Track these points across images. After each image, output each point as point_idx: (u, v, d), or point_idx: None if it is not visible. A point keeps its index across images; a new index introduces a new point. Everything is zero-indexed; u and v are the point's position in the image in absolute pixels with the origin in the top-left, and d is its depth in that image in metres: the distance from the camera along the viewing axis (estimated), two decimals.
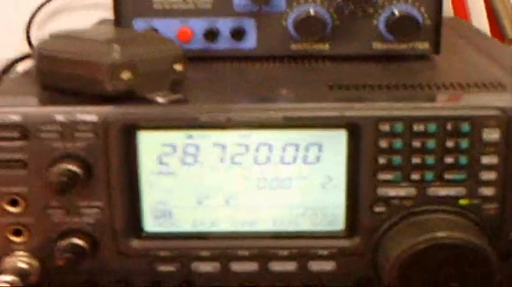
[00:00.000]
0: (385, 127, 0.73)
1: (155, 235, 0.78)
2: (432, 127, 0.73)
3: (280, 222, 0.77)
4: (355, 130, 0.74)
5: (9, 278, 0.75)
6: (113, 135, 0.74)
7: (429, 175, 0.74)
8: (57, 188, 0.73)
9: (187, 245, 0.78)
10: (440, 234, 0.72)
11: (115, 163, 0.74)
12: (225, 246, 0.77)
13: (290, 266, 0.77)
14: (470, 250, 0.72)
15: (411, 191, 0.74)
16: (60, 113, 0.73)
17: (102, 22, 1.11)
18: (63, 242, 0.76)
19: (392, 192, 0.75)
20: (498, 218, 0.75)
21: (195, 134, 0.75)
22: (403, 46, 0.91)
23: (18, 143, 0.74)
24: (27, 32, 1.21)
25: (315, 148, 0.75)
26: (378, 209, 0.75)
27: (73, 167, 0.73)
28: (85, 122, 0.73)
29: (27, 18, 1.22)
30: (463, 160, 0.74)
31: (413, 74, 0.86)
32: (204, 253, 0.77)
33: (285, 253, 0.77)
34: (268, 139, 0.75)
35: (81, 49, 0.74)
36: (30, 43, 1.20)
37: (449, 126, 0.73)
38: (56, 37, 0.78)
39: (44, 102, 0.76)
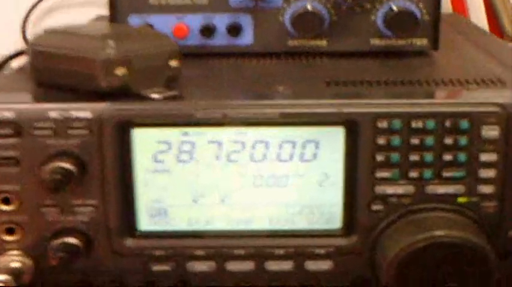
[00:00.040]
0: (383, 124, 0.72)
1: (150, 233, 0.77)
2: (431, 124, 0.72)
3: (277, 220, 0.77)
4: (352, 127, 0.73)
5: (2, 277, 0.74)
6: (108, 132, 0.73)
7: (427, 173, 0.73)
8: (51, 186, 0.72)
9: (182, 244, 0.77)
10: (438, 232, 0.72)
11: (109, 160, 0.74)
12: (220, 245, 0.77)
13: (286, 265, 0.77)
14: (468, 249, 0.71)
15: (409, 188, 0.74)
16: (53, 110, 0.73)
17: (98, 18, 1.11)
18: (57, 241, 0.75)
19: (390, 190, 0.74)
20: (497, 216, 0.75)
21: (191, 131, 0.74)
22: (401, 42, 0.90)
23: (11, 140, 0.73)
24: (23, 29, 1.21)
25: (312, 145, 0.74)
26: (376, 207, 0.74)
27: (67, 165, 0.72)
28: (79, 119, 0.73)
29: (23, 16, 1.21)
30: (462, 157, 0.73)
31: (411, 71, 0.86)
32: (200, 252, 0.77)
33: (282, 252, 0.76)
34: (265, 136, 0.74)
35: (75, 45, 0.74)
36: (26, 40, 1.19)
37: (448, 123, 0.72)
38: (50, 33, 0.77)
39: (37, 98, 0.76)
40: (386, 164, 0.73)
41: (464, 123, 0.72)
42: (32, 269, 0.76)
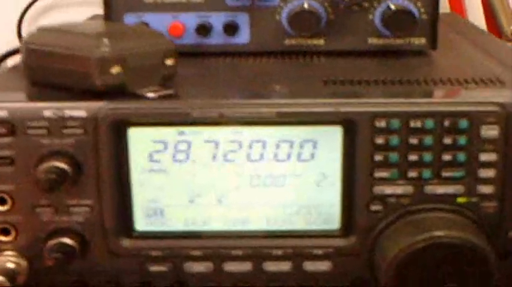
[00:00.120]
0: (381, 123, 0.72)
1: (146, 234, 0.77)
2: (429, 123, 0.72)
3: (274, 221, 0.76)
4: (350, 126, 0.73)
5: None
6: (103, 131, 0.72)
7: (426, 173, 0.73)
8: (46, 185, 0.72)
9: (179, 245, 0.76)
10: (438, 233, 0.71)
11: (105, 160, 0.73)
12: (217, 245, 0.76)
13: (285, 266, 0.76)
14: (468, 249, 0.71)
15: (408, 189, 0.73)
16: (48, 109, 0.72)
17: (94, 17, 1.10)
18: (52, 242, 0.75)
19: (388, 190, 0.74)
20: (497, 216, 0.74)
21: (187, 131, 0.74)
22: (399, 41, 0.90)
23: (5, 140, 0.72)
24: (19, 28, 1.20)
25: (309, 144, 0.74)
26: (374, 207, 0.74)
27: (61, 164, 0.72)
28: (74, 118, 0.72)
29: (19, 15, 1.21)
30: (461, 157, 0.73)
31: (409, 70, 0.85)
32: (197, 253, 0.76)
33: (280, 252, 0.76)
34: (262, 136, 0.74)
35: (69, 43, 0.73)
36: (21, 39, 1.19)
37: (446, 123, 0.72)
38: (43, 31, 0.77)
39: (31, 97, 0.75)
40: (385, 164, 0.73)
41: (464, 123, 0.72)
42: (26, 270, 0.76)
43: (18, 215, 0.75)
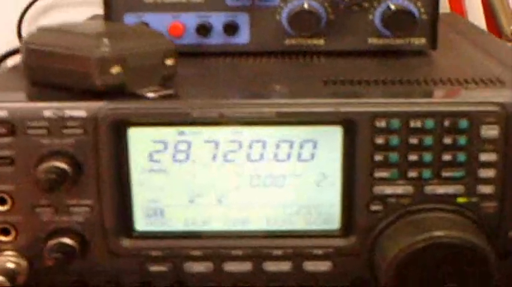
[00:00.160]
0: (382, 123, 0.72)
1: (146, 234, 0.76)
2: (429, 123, 0.72)
3: (274, 221, 0.76)
4: (350, 126, 0.73)
5: None
6: (103, 131, 0.72)
7: (426, 173, 0.73)
8: (46, 185, 0.71)
9: (179, 245, 0.76)
10: (438, 233, 0.71)
11: (105, 160, 0.73)
12: (217, 245, 0.76)
13: (285, 266, 0.76)
14: (468, 249, 0.71)
15: (408, 189, 0.73)
16: (48, 109, 0.72)
17: (94, 18, 1.10)
18: (52, 242, 0.74)
19: (388, 190, 0.73)
20: (497, 216, 0.74)
21: (187, 131, 0.73)
22: (399, 41, 0.90)
23: (5, 140, 0.72)
24: (19, 28, 1.20)
25: (309, 144, 0.74)
26: (374, 207, 0.74)
27: (61, 164, 0.72)
28: (74, 118, 0.72)
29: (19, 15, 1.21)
30: (461, 157, 0.72)
31: (409, 70, 0.85)
32: (197, 253, 0.76)
33: (280, 252, 0.76)
34: (262, 136, 0.74)
35: (69, 43, 0.73)
36: (21, 39, 1.18)
37: (447, 123, 0.72)
38: (43, 31, 0.76)
39: (31, 97, 0.75)
40: (385, 164, 0.73)
41: (464, 123, 0.72)
42: (26, 270, 0.76)
43: (18, 215, 0.75)
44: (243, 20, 0.90)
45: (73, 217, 0.75)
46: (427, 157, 0.72)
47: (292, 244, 0.76)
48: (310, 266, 0.76)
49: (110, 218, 0.75)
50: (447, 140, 0.72)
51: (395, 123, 0.72)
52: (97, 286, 0.77)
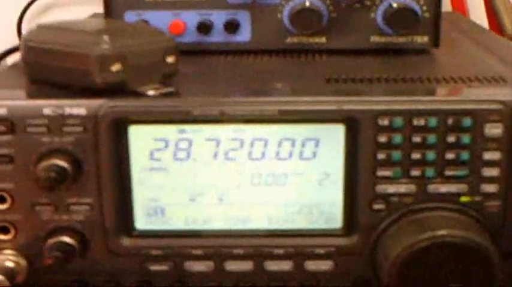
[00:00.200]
0: (384, 121, 0.71)
1: (147, 233, 0.76)
2: (433, 121, 0.71)
3: (276, 220, 0.76)
4: (353, 124, 0.72)
5: None
6: (103, 129, 0.72)
7: (430, 171, 0.72)
8: (45, 184, 0.71)
9: (180, 244, 0.76)
10: (441, 232, 0.71)
11: (105, 158, 0.73)
12: (218, 245, 0.76)
13: (286, 265, 0.76)
14: (471, 249, 0.71)
15: (411, 187, 0.73)
16: (48, 107, 0.72)
17: (95, 16, 1.10)
18: (52, 241, 0.74)
19: (391, 189, 0.73)
20: (500, 215, 0.74)
21: (188, 129, 0.73)
22: (401, 39, 0.90)
23: (4, 138, 0.72)
24: (19, 26, 1.20)
25: (311, 143, 0.73)
26: (377, 206, 0.74)
27: (61, 163, 0.71)
28: (74, 116, 0.72)
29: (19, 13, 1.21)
30: (465, 155, 0.72)
31: (412, 68, 0.85)
32: (197, 252, 0.76)
33: (281, 251, 0.75)
34: (264, 134, 0.73)
35: (69, 40, 0.73)
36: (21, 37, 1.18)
37: (450, 121, 0.71)
38: (43, 28, 0.76)
39: (31, 95, 0.75)
40: (388, 163, 0.72)
41: (467, 121, 0.71)
42: (26, 269, 0.75)
43: (17, 214, 0.74)
44: (244, 18, 0.89)
45: (73, 215, 0.74)
46: (430, 155, 0.72)
47: (294, 243, 0.75)
48: (311, 265, 0.76)
49: (110, 217, 0.74)
50: (450, 139, 0.72)
51: (398, 121, 0.71)
52: (97, 285, 0.77)
